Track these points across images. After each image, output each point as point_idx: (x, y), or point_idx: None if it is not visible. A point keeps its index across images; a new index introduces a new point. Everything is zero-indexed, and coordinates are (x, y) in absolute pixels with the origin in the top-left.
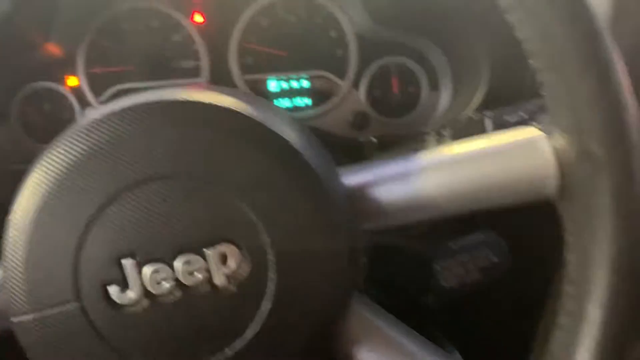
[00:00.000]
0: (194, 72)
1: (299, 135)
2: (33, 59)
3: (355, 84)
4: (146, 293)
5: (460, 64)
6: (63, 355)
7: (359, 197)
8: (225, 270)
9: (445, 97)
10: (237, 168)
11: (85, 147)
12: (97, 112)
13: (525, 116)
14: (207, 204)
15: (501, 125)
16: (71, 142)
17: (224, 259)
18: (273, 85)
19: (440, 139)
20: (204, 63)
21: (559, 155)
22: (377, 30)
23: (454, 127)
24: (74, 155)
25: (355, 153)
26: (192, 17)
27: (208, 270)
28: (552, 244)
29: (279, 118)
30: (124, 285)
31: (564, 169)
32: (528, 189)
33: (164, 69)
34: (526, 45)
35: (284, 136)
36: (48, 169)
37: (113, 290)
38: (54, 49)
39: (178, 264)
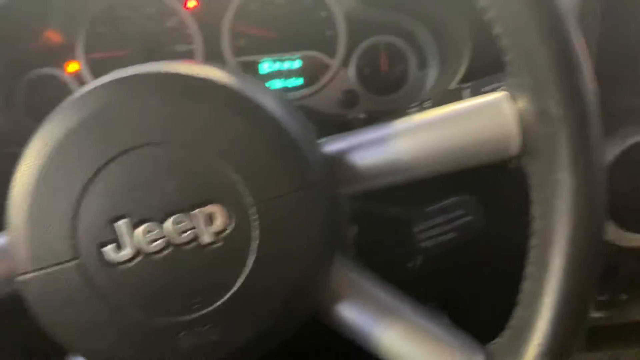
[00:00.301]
0: (188, 56)
1: (277, 103)
2: (34, 47)
3: (345, 63)
4: (139, 251)
5: (446, 42)
6: (63, 309)
7: (337, 162)
8: (212, 229)
9: (432, 75)
10: (220, 134)
11: (79, 117)
12: (89, 85)
13: (500, 85)
14: (194, 168)
15: (478, 95)
16: (66, 113)
17: (210, 218)
18: (265, 66)
19: (422, 111)
20: (198, 47)
21: (521, 115)
22: (366, 10)
23: (434, 99)
24: (70, 124)
25: (346, 130)
26: (185, 3)
27: (196, 230)
28: (526, 202)
29: (258, 88)
30: (118, 244)
31: (526, 128)
32: (494, 148)
33: (159, 53)
34: (488, 14)
35: (261, 103)
36: (46, 137)
37: (108, 249)
38: (53, 36)
39: (168, 224)
